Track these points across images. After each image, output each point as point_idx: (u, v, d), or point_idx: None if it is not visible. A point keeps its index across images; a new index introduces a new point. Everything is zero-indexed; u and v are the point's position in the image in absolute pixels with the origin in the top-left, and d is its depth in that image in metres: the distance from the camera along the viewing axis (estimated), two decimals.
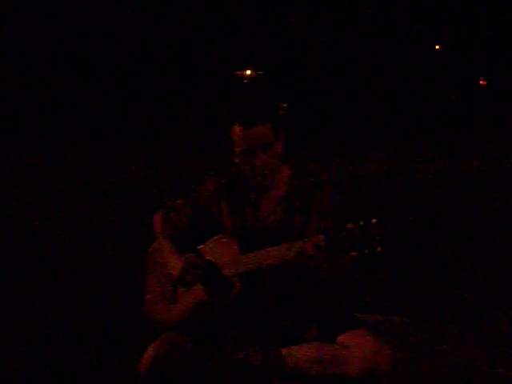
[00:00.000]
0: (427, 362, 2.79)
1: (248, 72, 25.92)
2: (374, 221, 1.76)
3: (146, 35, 22.32)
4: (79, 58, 21.53)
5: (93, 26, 21.58)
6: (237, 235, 2.11)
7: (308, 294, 2.10)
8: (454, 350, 2.91)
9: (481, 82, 24.55)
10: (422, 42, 23.33)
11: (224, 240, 2.11)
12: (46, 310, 3.53)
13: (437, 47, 24.58)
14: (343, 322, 2.04)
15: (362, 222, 1.77)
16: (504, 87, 21.70)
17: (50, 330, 3.24)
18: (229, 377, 2.02)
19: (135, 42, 22.35)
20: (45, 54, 21.08)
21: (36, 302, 3.68)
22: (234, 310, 2.08)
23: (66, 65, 21.32)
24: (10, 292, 3.87)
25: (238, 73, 25.54)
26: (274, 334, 2.07)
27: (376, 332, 1.98)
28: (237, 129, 2.06)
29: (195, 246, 2.16)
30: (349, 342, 1.94)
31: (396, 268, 4.15)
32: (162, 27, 22.46)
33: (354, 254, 1.77)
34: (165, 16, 22.40)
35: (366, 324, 2.05)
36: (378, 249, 1.76)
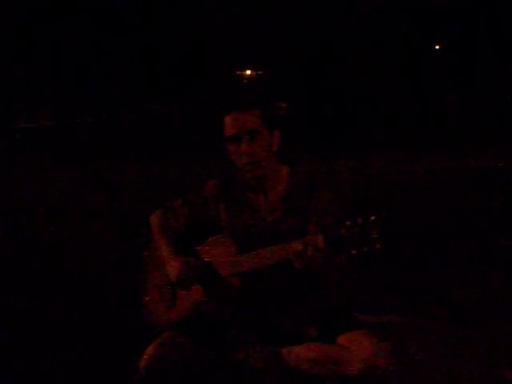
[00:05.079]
0: (427, 362, 2.78)
1: (248, 72, 25.95)
2: (372, 218, 1.76)
3: (146, 35, 22.31)
4: (79, 56, 21.53)
5: (93, 24, 21.58)
6: (235, 235, 2.11)
7: (307, 293, 2.10)
8: (454, 349, 2.91)
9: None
10: (422, 42, 23.33)
11: (222, 240, 2.11)
12: (46, 311, 3.53)
13: (437, 47, 24.58)
14: (343, 322, 2.03)
15: (360, 220, 1.76)
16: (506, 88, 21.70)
17: (50, 330, 3.24)
18: (229, 377, 2.02)
19: (136, 42, 22.34)
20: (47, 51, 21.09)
21: (36, 302, 3.68)
22: (233, 310, 2.08)
23: (64, 63, 21.32)
24: (10, 292, 3.87)
25: (238, 73, 25.57)
26: (274, 333, 2.07)
27: (376, 332, 1.98)
28: (227, 117, 2.08)
29: (193, 247, 2.16)
30: (349, 342, 1.93)
31: (396, 268, 4.14)
32: (162, 27, 22.46)
33: (353, 252, 1.77)
34: (165, 16, 22.39)
35: (365, 324, 2.04)
36: (378, 246, 1.75)
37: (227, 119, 2.08)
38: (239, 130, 2.05)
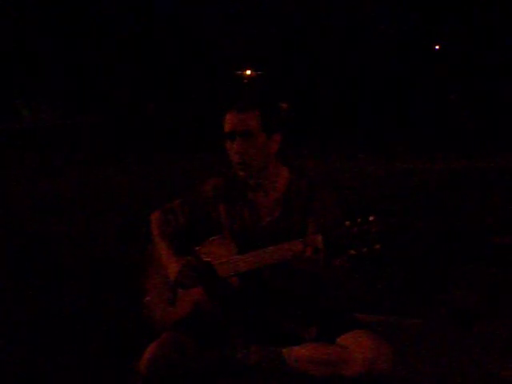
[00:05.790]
0: (427, 362, 2.79)
1: (248, 72, 25.94)
2: (371, 218, 1.76)
3: (146, 36, 22.33)
4: (82, 60, 21.56)
5: (94, 25, 21.60)
6: (234, 235, 2.12)
7: (307, 293, 2.10)
8: (454, 350, 2.91)
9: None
10: (422, 42, 23.34)
11: (222, 240, 2.11)
12: (46, 310, 3.53)
13: (437, 47, 24.58)
14: (343, 322, 2.04)
15: (359, 220, 1.76)
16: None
17: (51, 329, 3.24)
18: (229, 377, 2.03)
19: (136, 42, 22.36)
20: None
21: (36, 302, 3.68)
22: (233, 310, 2.08)
23: (64, 63, 21.34)
24: (10, 292, 3.88)
25: (238, 73, 25.56)
26: (274, 333, 2.07)
27: (376, 332, 1.98)
28: (228, 114, 2.11)
29: (193, 247, 2.16)
30: (349, 342, 1.93)
31: (396, 268, 4.15)
32: (163, 28, 22.48)
33: (352, 252, 1.77)
34: (166, 17, 22.42)
35: (366, 324, 2.04)
36: (377, 246, 1.75)
37: (227, 116, 2.11)
38: (234, 129, 2.07)
